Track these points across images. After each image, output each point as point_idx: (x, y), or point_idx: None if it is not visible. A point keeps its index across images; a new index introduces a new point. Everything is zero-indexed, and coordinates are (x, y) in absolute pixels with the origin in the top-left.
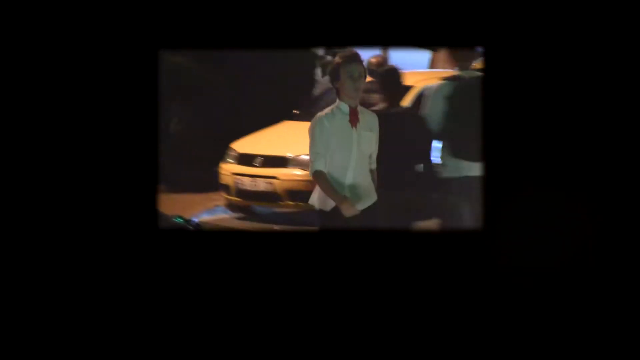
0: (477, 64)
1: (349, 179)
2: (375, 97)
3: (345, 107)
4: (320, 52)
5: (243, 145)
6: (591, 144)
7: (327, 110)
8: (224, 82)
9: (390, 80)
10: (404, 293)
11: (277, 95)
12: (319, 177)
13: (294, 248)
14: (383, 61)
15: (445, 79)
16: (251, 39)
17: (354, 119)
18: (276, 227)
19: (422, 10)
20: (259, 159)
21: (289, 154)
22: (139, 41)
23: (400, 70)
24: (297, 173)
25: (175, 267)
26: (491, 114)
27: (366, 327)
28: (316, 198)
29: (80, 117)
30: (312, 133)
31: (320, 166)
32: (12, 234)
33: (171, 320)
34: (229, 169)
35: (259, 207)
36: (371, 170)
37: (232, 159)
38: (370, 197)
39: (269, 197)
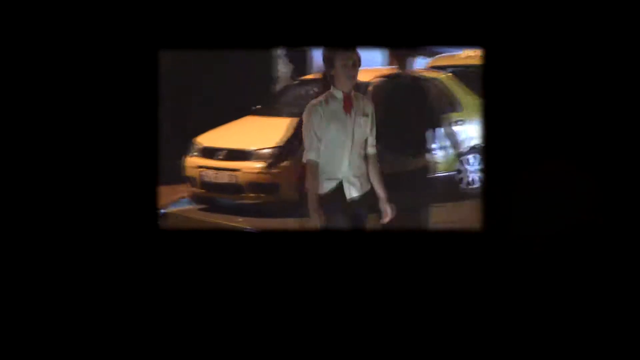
0: (435, 61)
1: (344, 165)
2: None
3: (339, 93)
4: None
5: (207, 139)
6: (592, 144)
7: (320, 97)
8: (188, 78)
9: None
10: (403, 293)
11: (240, 91)
12: (310, 167)
13: (294, 248)
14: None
15: (384, 76)
16: (251, 38)
17: (347, 104)
18: (239, 219)
19: (421, 10)
20: (222, 153)
21: (251, 148)
22: (139, 41)
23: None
24: (259, 166)
25: (175, 267)
26: (491, 114)
27: (365, 327)
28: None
29: (79, 117)
30: (307, 121)
31: (313, 156)
32: (11, 233)
33: (171, 320)
34: (193, 162)
35: (222, 199)
36: (370, 155)
37: (196, 152)
38: (365, 184)
39: (232, 189)
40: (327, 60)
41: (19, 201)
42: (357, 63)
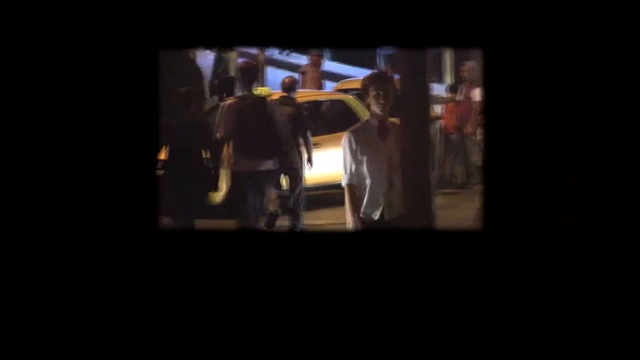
0: (342, 85)
1: (382, 189)
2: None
3: (374, 121)
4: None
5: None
6: (592, 144)
7: (358, 125)
8: None
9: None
10: (403, 293)
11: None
12: (347, 190)
13: (294, 248)
14: (295, 81)
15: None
16: (251, 38)
17: (382, 131)
18: None
19: (419, 10)
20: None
21: None
22: (139, 41)
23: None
24: None
25: (174, 267)
26: (491, 114)
27: (364, 327)
28: (361, 210)
29: (79, 117)
30: (343, 148)
31: (349, 180)
32: (10, 234)
33: (171, 321)
34: None
35: None
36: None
37: None
38: (399, 207)
39: None
40: (364, 90)
41: (17, 200)
42: (390, 93)
